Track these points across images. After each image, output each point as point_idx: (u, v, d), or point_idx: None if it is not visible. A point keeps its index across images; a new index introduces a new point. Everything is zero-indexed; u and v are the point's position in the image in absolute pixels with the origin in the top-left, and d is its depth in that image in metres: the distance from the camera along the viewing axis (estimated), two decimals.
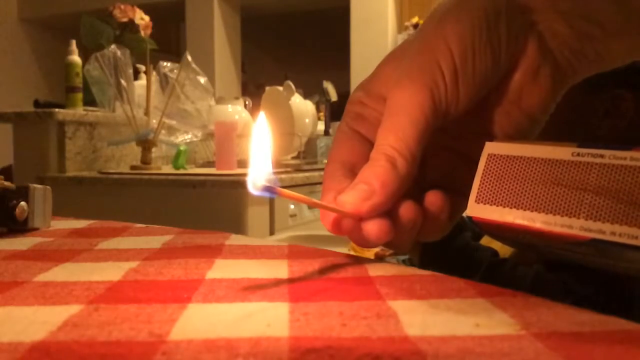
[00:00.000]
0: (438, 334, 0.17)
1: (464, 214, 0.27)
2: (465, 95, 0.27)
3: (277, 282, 0.24)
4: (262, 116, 0.26)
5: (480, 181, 0.26)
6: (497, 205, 0.25)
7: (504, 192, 0.25)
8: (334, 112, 2.21)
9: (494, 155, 0.26)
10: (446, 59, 0.26)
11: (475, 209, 0.26)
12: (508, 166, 0.25)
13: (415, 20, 3.08)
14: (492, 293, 0.22)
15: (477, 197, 0.26)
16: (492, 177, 0.26)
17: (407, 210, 0.26)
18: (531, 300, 0.21)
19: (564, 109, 0.31)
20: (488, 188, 0.26)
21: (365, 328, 0.18)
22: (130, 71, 1.63)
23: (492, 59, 0.27)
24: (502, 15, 0.27)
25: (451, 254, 0.62)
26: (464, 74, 0.26)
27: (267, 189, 0.24)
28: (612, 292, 0.51)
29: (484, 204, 0.26)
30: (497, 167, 0.26)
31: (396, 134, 0.26)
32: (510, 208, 0.25)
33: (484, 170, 0.26)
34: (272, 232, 1.49)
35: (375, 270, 0.26)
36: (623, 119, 0.59)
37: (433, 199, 0.27)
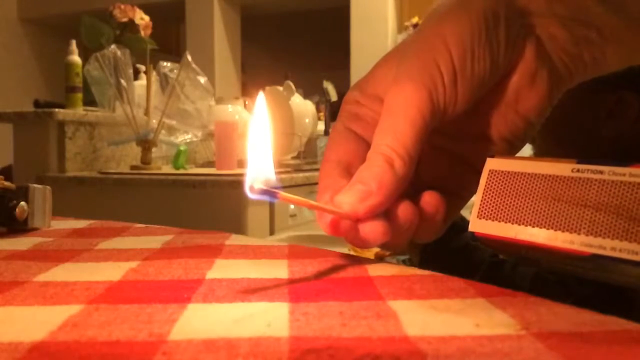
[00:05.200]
0: (438, 334, 0.17)
1: (468, 227, 0.27)
2: (463, 96, 0.27)
3: (277, 282, 0.24)
4: (260, 97, 0.25)
5: (482, 197, 0.27)
6: (499, 221, 0.26)
7: (506, 208, 0.25)
8: (334, 112, 2.21)
9: (495, 171, 0.27)
10: (445, 59, 0.26)
11: (477, 225, 0.26)
12: (509, 182, 0.26)
13: (415, 20, 3.08)
14: (492, 293, 0.22)
15: (479, 212, 0.27)
16: (493, 192, 0.26)
17: (404, 210, 0.26)
18: (531, 300, 0.21)
19: (568, 109, 0.31)
20: (490, 204, 0.26)
21: (365, 328, 0.18)
22: (130, 71, 1.63)
23: (491, 61, 0.27)
24: (501, 18, 0.27)
25: (451, 254, 0.62)
26: (462, 76, 0.26)
27: (266, 192, 0.24)
28: (612, 292, 0.52)
29: (486, 219, 0.26)
30: (499, 183, 0.26)
31: (394, 134, 0.26)
32: (512, 223, 0.25)
33: (485, 186, 0.27)
34: (272, 232, 1.49)
35: (375, 270, 0.26)
36: (626, 120, 0.59)
37: (429, 199, 0.27)
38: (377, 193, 0.25)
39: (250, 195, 0.24)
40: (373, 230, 0.25)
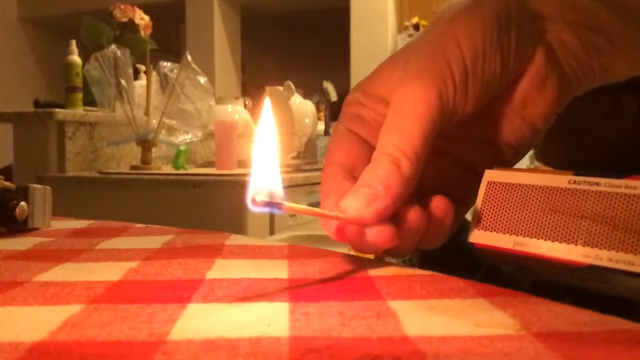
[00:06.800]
0: (438, 334, 0.17)
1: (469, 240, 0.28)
2: (473, 97, 0.26)
3: (277, 282, 0.24)
4: (267, 105, 0.24)
5: (481, 208, 0.27)
6: (498, 232, 0.26)
7: (504, 219, 0.26)
8: (334, 112, 2.21)
9: (494, 182, 0.27)
10: (457, 59, 0.26)
11: (476, 236, 0.27)
12: (507, 194, 0.26)
13: (415, 20, 3.08)
14: (492, 293, 0.22)
15: (477, 223, 0.27)
16: (492, 204, 0.26)
17: (414, 215, 0.25)
18: (531, 300, 0.21)
19: (566, 110, 0.31)
20: (488, 215, 0.26)
21: (365, 328, 0.18)
22: (130, 71, 1.63)
23: (501, 63, 0.26)
24: (513, 21, 0.26)
25: (451, 254, 0.62)
26: (473, 76, 0.26)
27: (269, 204, 0.23)
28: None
29: (485, 230, 0.26)
30: (497, 195, 0.26)
31: (400, 133, 0.25)
32: (510, 234, 0.25)
33: (484, 197, 0.27)
34: (272, 232, 1.49)
35: (375, 270, 0.26)
36: (625, 122, 0.59)
37: (438, 204, 0.26)
38: (384, 196, 0.24)
39: (253, 208, 0.23)
40: (380, 234, 0.24)
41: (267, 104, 0.25)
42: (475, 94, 0.26)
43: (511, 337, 0.17)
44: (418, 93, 0.25)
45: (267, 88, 1.80)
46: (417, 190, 0.28)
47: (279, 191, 0.24)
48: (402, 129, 0.25)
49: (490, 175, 0.27)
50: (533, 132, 0.28)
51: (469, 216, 0.31)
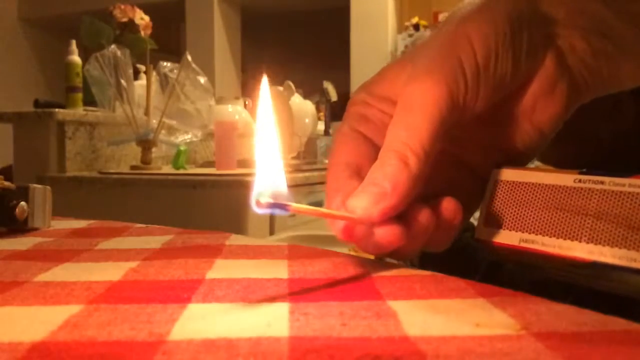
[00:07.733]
0: (438, 334, 0.17)
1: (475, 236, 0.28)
2: (483, 97, 0.26)
3: (277, 282, 0.24)
4: (264, 91, 0.23)
5: (488, 205, 0.27)
6: (504, 229, 0.26)
7: (511, 216, 0.26)
8: (334, 112, 2.22)
9: (502, 181, 0.27)
10: (469, 57, 0.25)
11: (483, 232, 0.27)
12: (514, 191, 0.27)
13: (415, 20, 3.08)
14: (492, 293, 0.22)
15: (485, 220, 0.27)
16: (499, 201, 0.27)
17: (425, 216, 0.25)
18: (531, 300, 0.21)
19: None
20: (495, 212, 0.27)
21: (365, 328, 0.18)
22: (130, 71, 1.63)
23: (513, 64, 0.26)
24: (524, 23, 0.26)
25: (451, 254, 0.62)
26: (485, 75, 0.26)
27: (275, 206, 0.22)
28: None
29: (492, 227, 0.27)
30: (504, 192, 0.27)
31: (409, 129, 0.25)
32: (516, 231, 0.26)
33: (491, 195, 0.27)
34: (272, 232, 1.49)
35: (375, 270, 0.26)
36: (625, 122, 0.59)
37: (448, 205, 0.26)
38: (391, 194, 0.24)
39: (258, 210, 0.22)
40: (389, 234, 0.24)
41: (264, 97, 0.23)
42: (486, 92, 0.26)
43: (511, 337, 0.17)
44: (428, 89, 0.25)
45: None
46: (422, 194, 0.27)
47: (283, 192, 0.23)
48: (410, 125, 0.25)
49: (498, 174, 0.28)
50: (540, 137, 0.28)
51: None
